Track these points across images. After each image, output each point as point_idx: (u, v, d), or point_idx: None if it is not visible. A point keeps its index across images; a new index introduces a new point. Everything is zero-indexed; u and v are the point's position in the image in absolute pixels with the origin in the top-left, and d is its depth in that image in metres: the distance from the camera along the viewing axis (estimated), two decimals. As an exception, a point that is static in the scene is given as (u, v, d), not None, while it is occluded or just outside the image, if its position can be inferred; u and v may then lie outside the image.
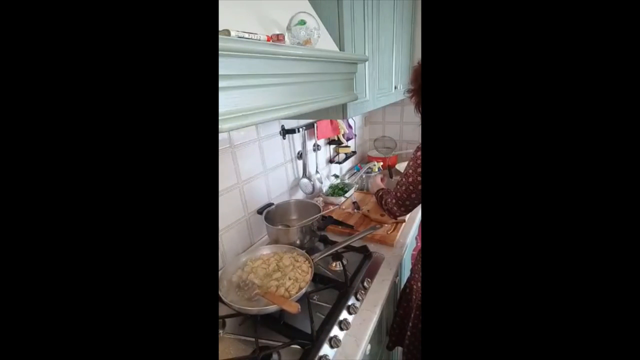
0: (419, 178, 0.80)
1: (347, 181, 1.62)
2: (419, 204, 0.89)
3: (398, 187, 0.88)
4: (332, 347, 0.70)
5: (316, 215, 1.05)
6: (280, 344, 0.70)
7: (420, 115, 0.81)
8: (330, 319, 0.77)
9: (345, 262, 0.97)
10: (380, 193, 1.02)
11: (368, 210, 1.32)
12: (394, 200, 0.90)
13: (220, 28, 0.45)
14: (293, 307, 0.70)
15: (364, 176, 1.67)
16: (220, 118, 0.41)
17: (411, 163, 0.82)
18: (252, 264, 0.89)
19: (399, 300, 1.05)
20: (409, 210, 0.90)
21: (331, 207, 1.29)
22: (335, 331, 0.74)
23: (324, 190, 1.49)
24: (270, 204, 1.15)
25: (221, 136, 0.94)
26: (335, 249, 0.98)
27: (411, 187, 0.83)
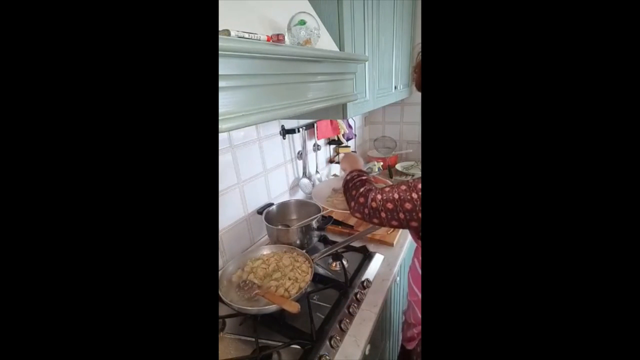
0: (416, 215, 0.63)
1: (347, 181, 1.61)
2: (397, 228, 0.74)
3: (391, 197, 0.65)
4: (332, 347, 0.70)
5: (316, 215, 1.05)
6: (280, 344, 0.70)
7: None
8: (330, 319, 0.77)
9: (345, 262, 0.97)
10: (365, 177, 0.76)
11: (368, 210, 1.32)
12: (389, 205, 0.64)
13: (220, 28, 0.45)
14: (293, 307, 0.70)
15: (364, 176, 1.67)
16: (220, 118, 0.41)
17: (403, 188, 0.65)
18: (252, 264, 0.89)
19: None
20: (388, 225, 0.67)
21: (331, 207, 1.29)
22: (335, 331, 0.74)
23: (324, 190, 1.49)
24: (270, 204, 1.15)
25: (221, 136, 0.94)
26: (335, 249, 0.98)
27: (400, 214, 0.64)
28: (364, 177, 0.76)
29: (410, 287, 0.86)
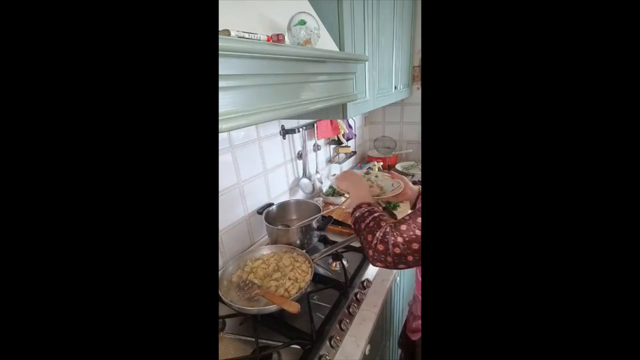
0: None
1: (347, 181, 1.62)
2: (411, 267, 0.61)
3: (412, 236, 0.56)
4: (332, 347, 0.70)
5: (316, 215, 1.05)
6: (280, 344, 0.70)
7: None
8: (330, 319, 0.77)
9: (345, 262, 0.97)
10: (377, 212, 0.64)
11: (368, 210, 1.32)
12: (414, 246, 0.55)
13: (220, 28, 0.45)
14: (293, 307, 0.70)
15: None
16: (220, 118, 0.41)
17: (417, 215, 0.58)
18: (252, 264, 0.89)
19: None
20: (409, 265, 0.58)
21: (331, 207, 1.29)
22: (335, 331, 0.74)
23: (324, 190, 1.49)
24: (270, 204, 1.15)
25: (221, 136, 0.94)
26: (335, 249, 0.98)
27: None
28: (376, 214, 0.63)
29: (418, 282, 0.80)
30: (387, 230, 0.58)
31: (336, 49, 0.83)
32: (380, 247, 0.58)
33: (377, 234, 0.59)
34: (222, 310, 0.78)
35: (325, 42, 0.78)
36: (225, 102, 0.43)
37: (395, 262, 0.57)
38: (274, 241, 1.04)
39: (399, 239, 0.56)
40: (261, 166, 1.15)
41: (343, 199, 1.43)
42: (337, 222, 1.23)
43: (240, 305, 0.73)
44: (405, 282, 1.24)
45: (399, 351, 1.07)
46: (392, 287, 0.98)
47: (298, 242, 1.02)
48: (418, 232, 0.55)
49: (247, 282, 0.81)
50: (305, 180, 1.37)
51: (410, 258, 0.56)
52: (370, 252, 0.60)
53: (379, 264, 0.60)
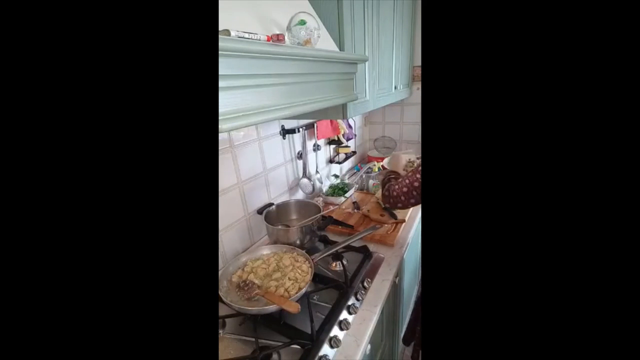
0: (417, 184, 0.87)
1: (347, 181, 1.62)
2: (417, 204, 0.92)
3: (404, 183, 0.89)
4: (332, 347, 0.70)
5: (316, 215, 1.05)
6: (280, 344, 0.70)
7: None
8: (330, 319, 0.77)
9: (345, 262, 0.97)
10: (393, 175, 1.01)
11: (368, 210, 1.32)
12: (404, 189, 0.90)
13: (220, 28, 0.45)
14: (293, 307, 0.70)
15: (364, 176, 1.67)
16: (220, 118, 0.41)
17: (410, 174, 0.88)
18: (252, 264, 0.89)
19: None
20: (410, 205, 0.91)
21: (331, 207, 1.29)
22: (335, 331, 0.74)
23: (324, 190, 1.49)
24: (270, 204, 1.15)
25: (221, 136, 0.94)
26: (335, 249, 0.97)
27: (414, 192, 0.88)
28: (392, 176, 1.00)
29: None
30: (392, 183, 0.93)
31: (336, 49, 0.83)
32: (386, 193, 0.94)
33: (386, 186, 0.95)
34: (222, 310, 0.78)
35: (325, 42, 0.78)
36: (225, 102, 0.43)
37: (394, 202, 0.91)
38: (274, 241, 1.04)
39: (396, 187, 0.90)
40: (261, 166, 1.15)
41: (343, 199, 1.43)
42: (337, 222, 1.23)
43: (240, 305, 0.72)
44: (405, 281, 1.24)
45: (404, 348, 1.10)
46: (392, 287, 0.98)
47: (298, 242, 1.02)
48: (407, 181, 0.87)
49: (247, 282, 0.81)
50: (305, 180, 1.37)
51: (403, 198, 0.89)
52: (382, 198, 0.98)
53: (387, 204, 0.95)
